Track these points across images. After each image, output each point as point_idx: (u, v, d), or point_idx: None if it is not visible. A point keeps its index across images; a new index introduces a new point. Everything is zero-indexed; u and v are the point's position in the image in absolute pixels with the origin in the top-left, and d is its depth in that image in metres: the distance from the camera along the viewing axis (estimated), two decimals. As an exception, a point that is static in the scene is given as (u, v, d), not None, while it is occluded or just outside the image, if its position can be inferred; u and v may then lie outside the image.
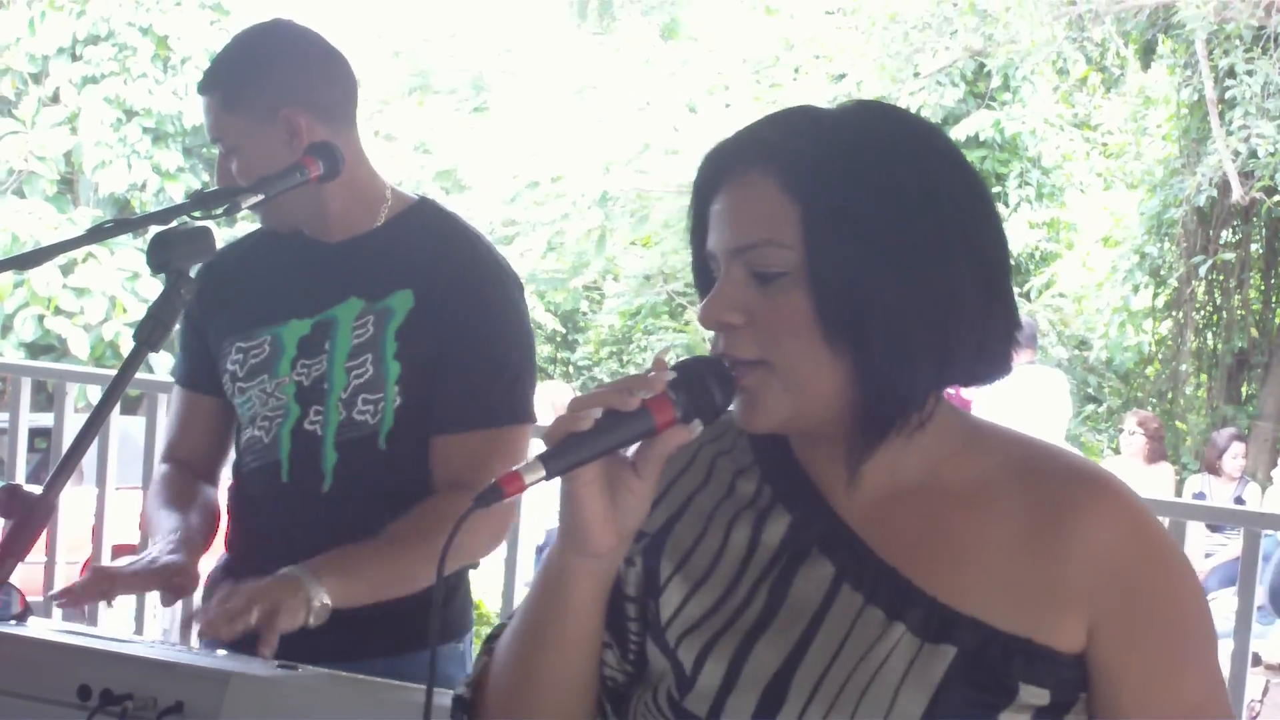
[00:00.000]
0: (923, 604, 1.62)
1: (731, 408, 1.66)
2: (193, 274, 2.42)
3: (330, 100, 2.89)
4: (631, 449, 1.63)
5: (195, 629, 2.61)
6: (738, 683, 1.64)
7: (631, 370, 18.89)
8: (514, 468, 1.57)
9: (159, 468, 3.06)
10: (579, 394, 1.63)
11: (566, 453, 1.58)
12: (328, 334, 2.86)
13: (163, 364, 14.63)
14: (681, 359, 1.64)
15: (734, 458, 1.76)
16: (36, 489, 2.28)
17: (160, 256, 2.41)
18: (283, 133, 2.83)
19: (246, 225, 15.03)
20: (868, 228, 1.61)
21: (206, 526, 2.89)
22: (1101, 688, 1.64)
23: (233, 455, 3.06)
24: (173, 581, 2.69)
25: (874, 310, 1.60)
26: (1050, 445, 1.74)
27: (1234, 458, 11.61)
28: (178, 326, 2.89)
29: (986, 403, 7.85)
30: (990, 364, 1.68)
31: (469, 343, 2.82)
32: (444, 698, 1.83)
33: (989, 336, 1.66)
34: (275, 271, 2.93)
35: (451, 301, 2.82)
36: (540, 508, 5.06)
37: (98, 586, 2.72)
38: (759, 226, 1.63)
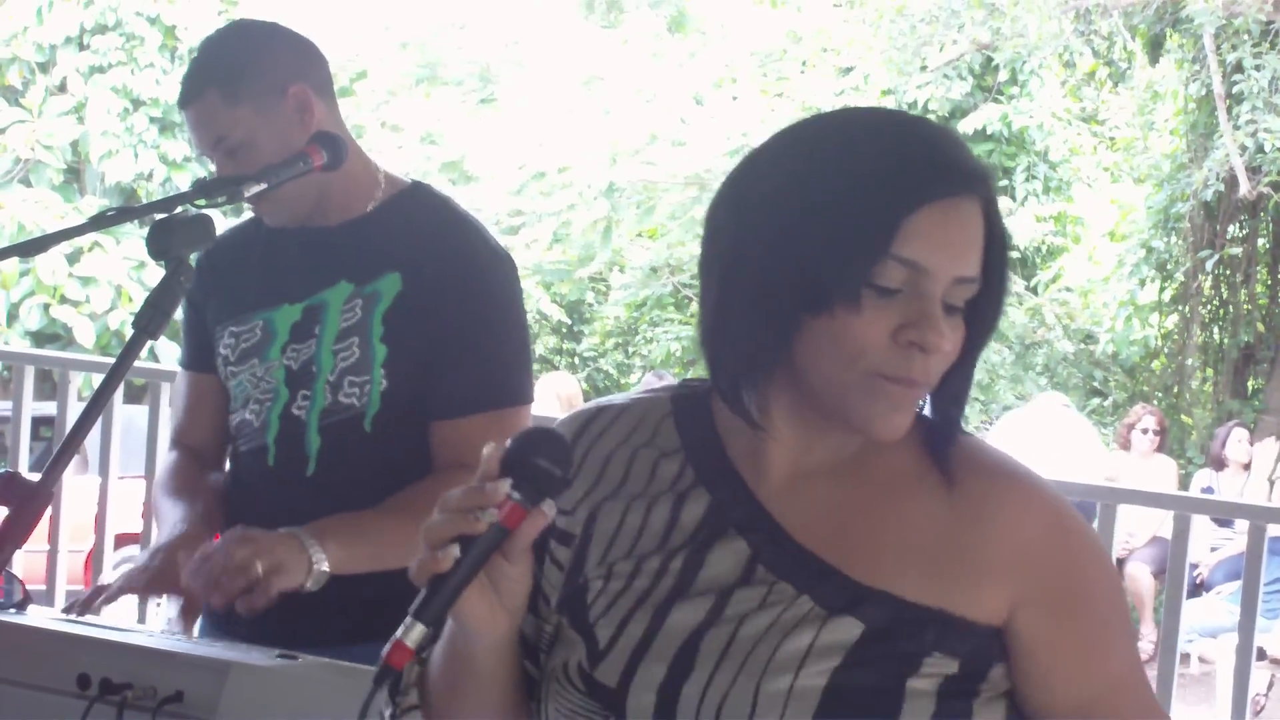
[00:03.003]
0: (834, 580, 1.65)
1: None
2: (193, 261, 2.42)
3: (323, 78, 2.92)
4: None
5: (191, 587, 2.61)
6: (648, 652, 1.66)
7: (637, 362, 18.89)
8: (395, 636, 1.58)
9: (167, 455, 3.08)
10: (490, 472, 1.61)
11: (438, 597, 1.59)
12: (318, 318, 2.87)
13: (167, 353, 14.65)
14: (506, 447, 1.62)
15: (656, 445, 1.77)
16: (37, 476, 2.28)
17: (160, 244, 2.41)
18: (293, 110, 2.84)
19: (249, 214, 15.03)
20: (1001, 269, 1.71)
21: (211, 514, 2.90)
22: (1028, 659, 1.69)
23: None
24: (183, 597, 2.70)
25: (982, 339, 1.72)
26: (973, 439, 1.77)
27: (1238, 443, 11.59)
28: (180, 312, 2.91)
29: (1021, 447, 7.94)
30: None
31: (463, 327, 2.83)
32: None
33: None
34: (269, 257, 2.94)
35: (440, 285, 2.83)
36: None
37: (101, 601, 2.72)
38: (977, 263, 1.67)
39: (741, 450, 1.73)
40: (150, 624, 5.43)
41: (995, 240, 1.67)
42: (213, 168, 2.84)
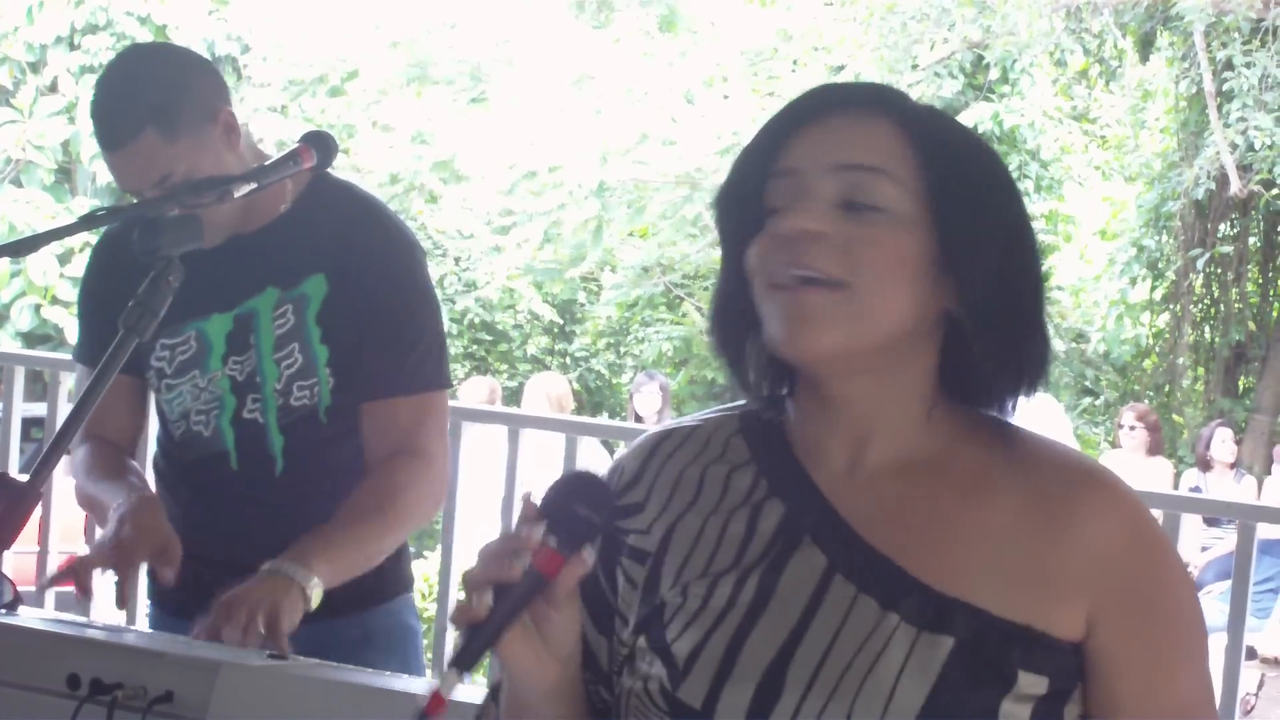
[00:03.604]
0: (917, 592, 1.61)
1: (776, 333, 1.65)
2: (178, 260, 2.42)
3: (228, 93, 2.92)
4: None
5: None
6: (732, 673, 1.62)
7: (628, 362, 18.88)
8: (434, 687, 1.56)
9: (80, 447, 3.03)
10: (490, 547, 1.60)
11: (474, 644, 1.57)
12: (250, 327, 2.89)
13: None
14: (544, 495, 1.61)
15: (727, 459, 1.75)
16: (27, 478, 2.27)
17: (148, 243, 2.41)
18: (221, 133, 2.83)
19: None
20: (985, 201, 1.66)
21: (148, 489, 2.93)
22: (1098, 680, 1.64)
23: (151, 446, 3.08)
24: (158, 557, 2.69)
25: (988, 276, 1.63)
26: (1049, 439, 1.73)
27: (1222, 443, 11.59)
28: (77, 305, 2.98)
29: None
30: (1035, 376, 1.71)
31: (387, 316, 2.88)
32: (410, 682, 1.84)
33: (1045, 344, 1.70)
34: (192, 265, 2.89)
35: (364, 280, 2.87)
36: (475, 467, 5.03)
37: (80, 573, 2.71)
38: (873, 154, 1.64)
39: (810, 454, 1.71)
40: (140, 624, 5.43)
41: (936, 158, 1.65)
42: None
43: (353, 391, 2.87)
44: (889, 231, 1.62)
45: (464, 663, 1.56)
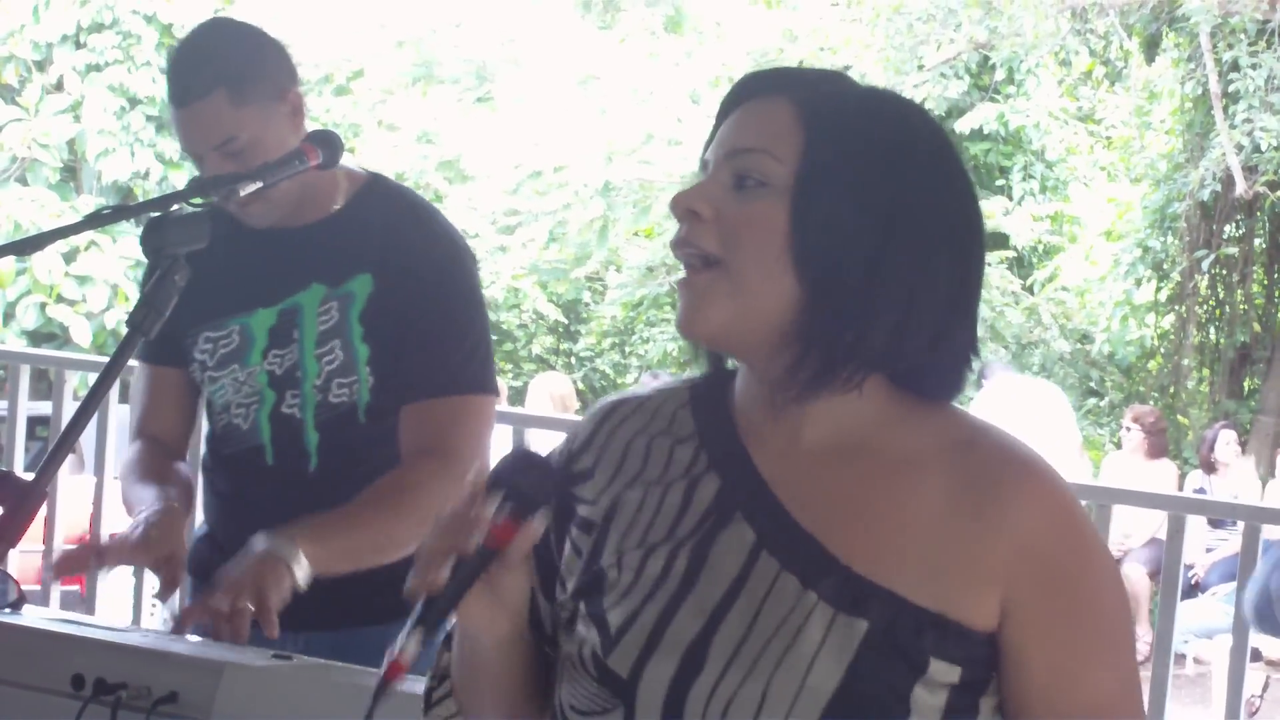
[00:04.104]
0: (836, 572, 1.63)
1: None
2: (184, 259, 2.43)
3: (299, 78, 2.95)
4: None
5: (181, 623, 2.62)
6: (659, 646, 1.66)
7: (634, 362, 18.88)
8: (392, 651, 1.63)
9: (130, 445, 3.07)
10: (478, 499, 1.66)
11: (434, 611, 1.64)
12: (294, 322, 2.90)
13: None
14: (495, 468, 1.67)
15: (672, 433, 1.78)
16: (32, 476, 2.27)
17: (154, 241, 2.41)
18: (288, 114, 2.88)
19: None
20: (866, 175, 1.65)
21: (183, 495, 2.91)
22: (1009, 670, 1.64)
23: (201, 437, 3.09)
24: (163, 565, 2.70)
25: (848, 249, 1.63)
26: (988, 425, 1.74)
27: (1226, 445, 11.57)
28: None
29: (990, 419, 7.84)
30: (941, 371, 1.70)
31: (430, 317, 2.88)
32: (415, 683, 1.83)
33: (946, 337, 1.68)
34: (239, 259, 2.93)
35: (410, 281, 2.88)
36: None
37: (88, 558, 2.72)
38: (760, 137, 1.68)
39: (751, 430, 1.73)
40: (145, 624, 5.43)
41: (817, 131, 1.66)
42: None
43: (392, 391, 2.87)
44: (764, 205, 1.65)
45: (427, 629, 1.62)
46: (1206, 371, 16.66)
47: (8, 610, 2.60)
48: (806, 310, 1.64)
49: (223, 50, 2.88)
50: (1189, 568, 9.95)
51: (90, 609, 4.58)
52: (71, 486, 5.60)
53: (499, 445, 2.75)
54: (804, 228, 1.64)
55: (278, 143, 2.82)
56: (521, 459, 1.68)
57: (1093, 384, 17.24)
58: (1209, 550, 10.60)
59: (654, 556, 1.71)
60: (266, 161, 2.75)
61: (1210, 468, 11.56)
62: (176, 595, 2.80)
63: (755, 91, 1.73)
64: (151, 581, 3.00)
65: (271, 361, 2.91)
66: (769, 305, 1.65)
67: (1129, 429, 11.67)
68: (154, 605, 6.20)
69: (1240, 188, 14.53)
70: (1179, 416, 15.99)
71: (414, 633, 1.62)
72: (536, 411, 9.00)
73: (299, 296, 2.90)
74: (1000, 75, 17.06)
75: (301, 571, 2.62)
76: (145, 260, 2.64)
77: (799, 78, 1.73)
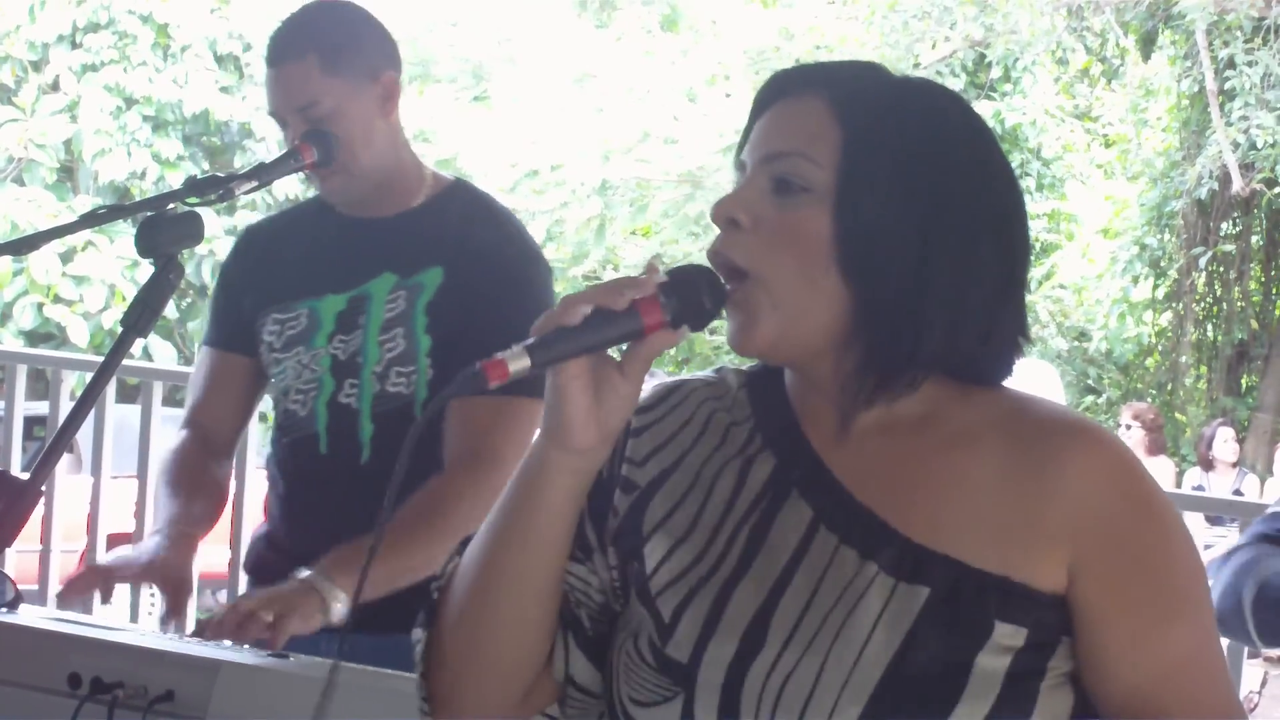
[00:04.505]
0: (896, 543, 1.62)
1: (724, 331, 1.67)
2: (182, 258, 2.43)
3: (401, 72, 2.98)
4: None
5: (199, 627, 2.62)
6: (718, 628, 1.63)
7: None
8: (498, 355, 1.58)
9: (177, 434, 3.08)
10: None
11: (552, 345, 1.59)
12: (362, 308, 2.92)
13: (159, 351, 14.65)
14: (676, 265, 1.64)
15: (731, 411, 1.76)
16: (26, 476, 2.27)
17: (149, 241, 2.41)
18: (379, 97, 2.92)
19: (245, 214, 15.02)
20: (907, 173, 1.63)
21: (209, 511, 2.92)
22: (1084, 632, 1.62)
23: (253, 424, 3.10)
24: (169, 587, 2.70)
25: (893, 250, 1.61)
26: (1034, 396, 1.72)
27: (1224, 443, 11.58)
28: (211, 291, 2.94)
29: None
30: (993, 359, 1.68)
31: (493, 314, 2.86)
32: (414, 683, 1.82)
33: (997, 328, 1.66)
34: (314, 246, 2.99)
35: (479, 278, 2.89)
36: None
37: (92, 582, 2.73)
38: (796, 139, 1.65)
39: (807, 411, 1.71)
40: (143, 623, 5.43)
41: (854, 131, 1.64)
42: (207, 166, 2.86)
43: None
44: (805, 213, 1.63)
45: (536, 354, 1.58)
46: (1204, 369, 16.68)
47: (4, 609, 2.60)
48: (858, 316, 1.63)
49: (324, 20, 2.94)
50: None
51: (87, 608, 4.57)
52: (68, 486, 5.59)
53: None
54: (849, 234, 1.61)
55: (363, 120, 2.87)
56: (708, 274, 1.64)
57: (1090, 381, 17.25)
58: (1207, 547, 10.60)
59: (711, 540, 1.69)
60: (262, 162, 2.76)
61: (1208, 465, 11.57)
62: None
63: (788, 89, 1.69)
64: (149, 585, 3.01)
65: (336, 346, 2.92)
66: (817, 314, 1.63)
67: (1129, 426, 11.67)
68: (152, 605, 6.19)
69: (1237, 185, 14.56)
70: (1176, 414, 16.02)
71: (523, 351, 1.58)
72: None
73: (370, 285, 2.92)
74: (996, 73, 17.09)
75: (338, 605, 2.62)
76: (142, 260, 2.64)
77: (832, 73, 1.70)
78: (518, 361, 1.58)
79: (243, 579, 3.30)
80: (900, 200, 1.62)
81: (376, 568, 2.73)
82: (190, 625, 2.85)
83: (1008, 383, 1.72)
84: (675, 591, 1.67)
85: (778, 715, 1.59)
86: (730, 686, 1.61)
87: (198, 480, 2.94)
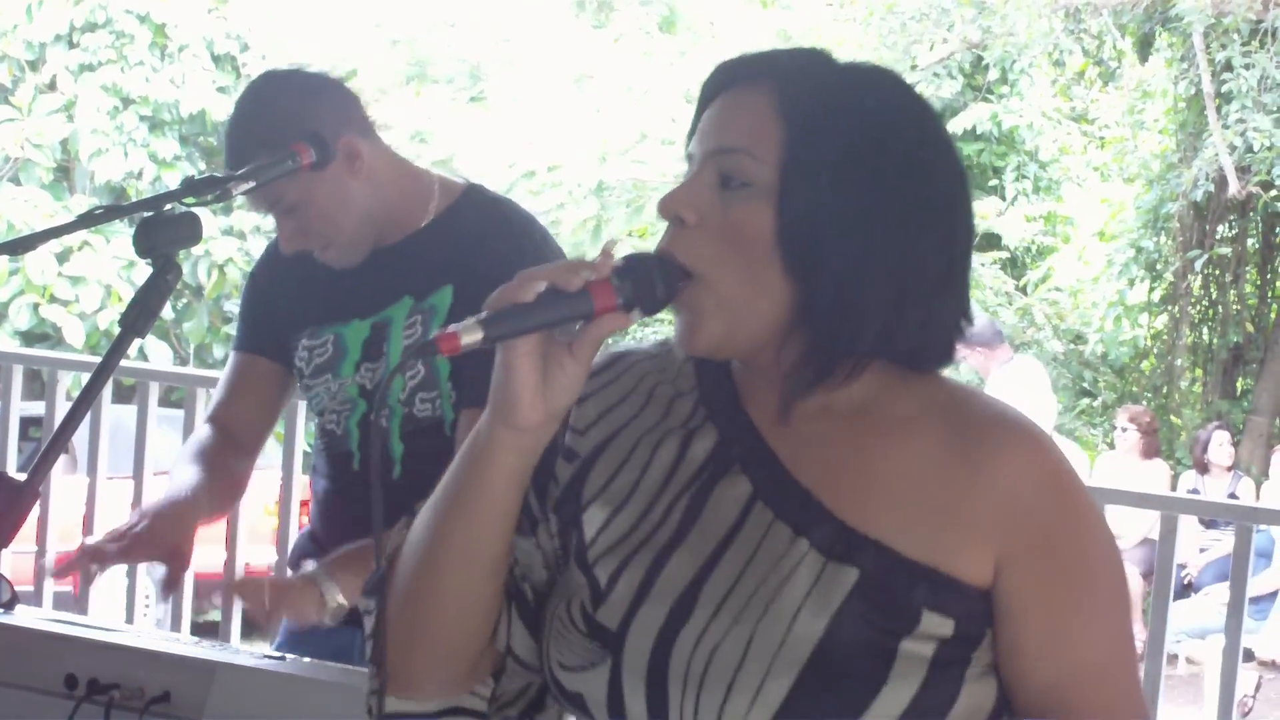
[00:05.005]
0: (829, 523, 1.64)
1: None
2: (179, 259, 2.43)
3: (362, 117, 2.95)
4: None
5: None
6: (649, 595, 1.66)
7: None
8: (451, 327, 1.60)
9: (199, 427, 3.10)
10: None
11: (505, 320, 1.61)
12: (384, 335, 2.93)
13: (156, 352, 14.63)
14: (630, 254, 1.66)
15: (675, 384, 1.78)
16: (23, 477, 2.27)
17: (147, 241, 2.41)
18: (343, 161, 2.85)
19: (242, 214, 15.01)
20: (848, 166, 1.64)
21: (220, 493, 2.93)
22: (1002, 627, 1.65)
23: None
24: (165, 557, 2.71)
25: (834, 244, 1.62)
26: (975, 389, 1.75)
27: (1219, 446, 11.58)
28: (241, 295, 3.04)
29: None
30: (933, 347, 1.70)
31: None
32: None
33: (937, 316, 1.68)
34: (339, 271, 2.97)
35: (486, 289, 2.84)
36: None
37: (86, 562, 2.73)
38: (739, 135, 1.66)
39: (751, 390, 1.73)
40: (138, 623, 5.43)
41: (796, 125, 1.65)
42: (204, 166, 2.87)
43: (469, 402, 2.86)
44: (748, 208, 1.64)
45: (489, 328, 1.60)
46: (1200, 372, 16.68)
47: (0, 610, 2.60)
48: (799, 309, 1.64)
49: (265, 113, 2.86)
50: (1182, 568, 9.97)
51: (83, 609, 4.57)
52: (65, 487, 5.59)
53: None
54: (790, 229, 1.63)
55: (333, 194, 2.83)
56: (664, 260, 1.66)
57: (1086, 384, 17.25)
58: (1202, 550, 10.61)
59: (648, 509, 1.71)
60: (258, 164, 2.74)
61: (1204, 468, 11.57)
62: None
63: (733, 80, 1.71)
64: (144, 582, 3.01)
65: (363, 375, 2.95)
66: (761, 310, 1.65)
67: (1124, 429, 11.68)
68: (147, 606, 6.19)
69: (1233, 188, 14.56)
70: (1172, 417, 16.01)
71: (476, 325, 1.59)
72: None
73: (390, 310, 2.93)
74: (993, 75, 17.08)
75: (336, 604, 2.66)
76: (138, 261, 2.65)
77: (776, 64, 1.70)
78: (470, 335, 1.60)
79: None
80: (841, 194, 1.63)
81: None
82: (186, 624, 2.86)
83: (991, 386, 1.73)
84: (612, 558, 1.70)
85: (705, 685, 1.61)
86: (658, 654, 1.63)
87: (214, 462, 2.96)
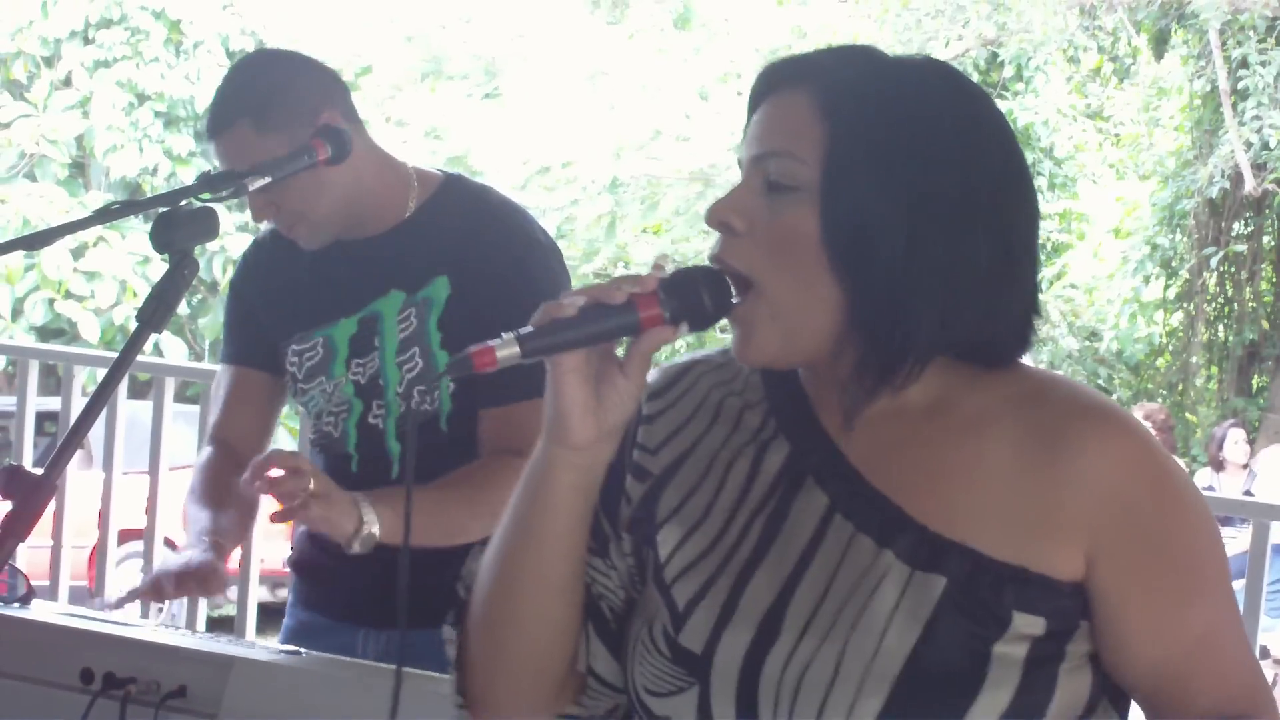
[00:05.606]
0: (912, 531, 1.60)
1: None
2: (197, 254, 2.42)
3: (347, 100, 2.93)
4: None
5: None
6: (733, 617, 1.63)
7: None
8: (489, 342, 1.58)
9: (203, 450, 3.10)
10: None
11: (545, 335, 1.58)
12: (375, 329, 2.91)
13: (171, 347, 14.65)
14: (678, 269, 1.64)
15: (744, 396, 1.75)
16: (39, 471, 2.27)
17: (164, 237, 2.40)
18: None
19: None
20: (892, 163, 1.60)
21: (239, 523, 2.92)
22: (1102, 618, 1.62)
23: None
24: (206, 585, 2.71)
25: (879, 243, 1.59)
26: (1055, 375, 1.71)
27: (1234, 444, 11.55)
28: (225, 306, 3.01)
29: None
30: (1002, 338, 1.66)
31: (508, 318, 2.83)
32: (422, 682, 1.83)
33: (999, 307, 1.64)
34: (321, 268, 2.96)
35: (485, 282, 2.85)
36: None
37: (154, 590, 2.73)
38: (781, 138, 1.64)
39: (820, 397, 1.70)
40: (153, 619, 5.44)
41: (838, 125, 1.62)
42: (218, 163, 2.86)
43: (472, 397, 2.85)
44: (795, 213, 1.61)
45: (527, 343, 1.58)
46: (1215, 369, 16.66)
47: (17, 605, 2.61)
48: (851, 312, 1.61)
49: (248, 81, 2.89)
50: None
51: (100, 605, 4.57)
52: (80, 482, 5.59)
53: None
54: (835, 232, 1.60)
55: (312, 172, 2.80)
56: (711, 274, 1.63)
57: (1101, 381, 17.23)
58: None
59: (725, 527, 1.68)
60: (275, 158, 2.75)
61: (1219, 465, 11.55)
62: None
63: (778, 84, 1.68)
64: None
65: (355, 371, 2.93)
66: (815, 317, 1.61)
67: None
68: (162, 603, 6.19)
69: (1249, 185, 14.54)
70: (1187, 414, 16.00)
71: (514, 340, 1.57)
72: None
73: (378, 304, 2.91)
74: (1009, 72, 17.06)
75: (368, 531, 2.59)
76: (153, 256, 2.65)
77: (820, 65, 1.67)
78: (507, 349, 1.58)
79: (254, 574, 3.29)
80: (885, 191, 1.60)
81: (415, 515, 2.74)
82: (202, 619, 2.86)
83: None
84: (689, 580, 1.67)
85: (797, 706, 1.58)
86: (747, 677, 1.60)
87: (224, 493, 2.94)
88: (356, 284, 2.92)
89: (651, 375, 1.73)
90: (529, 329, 1.59)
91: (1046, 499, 1.60)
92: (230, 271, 14.83)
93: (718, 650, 1.62)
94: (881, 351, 1.61)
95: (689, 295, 1.61)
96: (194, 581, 2.69)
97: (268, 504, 2.67)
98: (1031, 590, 1.59)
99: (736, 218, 1.64)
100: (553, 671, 1.74)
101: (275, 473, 2.53)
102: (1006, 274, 1.64)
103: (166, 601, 2.94)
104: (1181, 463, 12.16)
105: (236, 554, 4.98)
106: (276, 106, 2.82)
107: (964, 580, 1.58)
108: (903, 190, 1.60)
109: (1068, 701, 1.62)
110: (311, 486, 2.53)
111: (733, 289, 1.64)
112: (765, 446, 1.71)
